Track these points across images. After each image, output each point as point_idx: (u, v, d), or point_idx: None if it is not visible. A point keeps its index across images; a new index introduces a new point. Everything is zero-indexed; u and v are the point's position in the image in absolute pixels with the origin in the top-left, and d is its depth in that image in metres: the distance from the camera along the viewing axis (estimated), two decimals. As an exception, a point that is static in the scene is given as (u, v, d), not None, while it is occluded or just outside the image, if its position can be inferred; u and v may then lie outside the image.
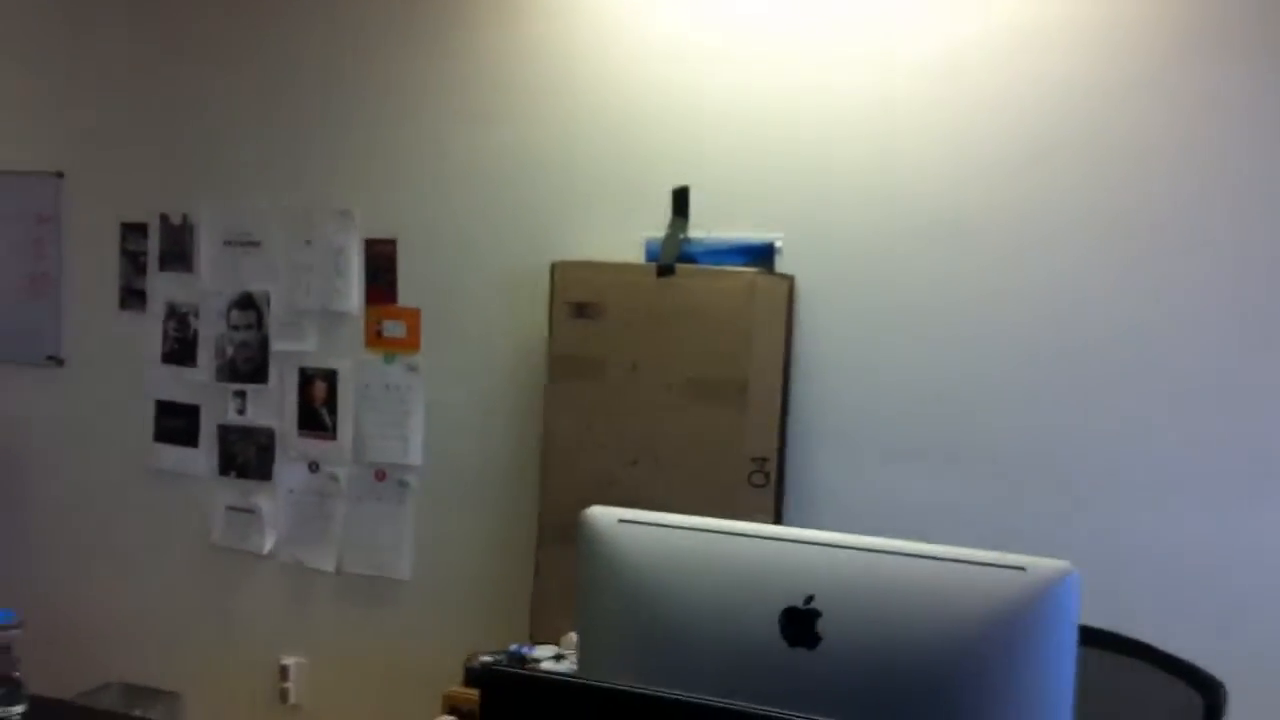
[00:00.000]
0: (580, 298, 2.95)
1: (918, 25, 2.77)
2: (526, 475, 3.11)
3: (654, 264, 2.90)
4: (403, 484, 3.34)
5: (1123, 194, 2.64)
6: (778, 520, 2.84)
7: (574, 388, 2.96)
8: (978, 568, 1.35)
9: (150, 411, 3.65)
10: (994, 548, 1.38)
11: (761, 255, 2.91)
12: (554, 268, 2.97)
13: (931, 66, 2.76)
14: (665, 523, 1.51)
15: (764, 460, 2.83)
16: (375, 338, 3.34)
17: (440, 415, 3.28)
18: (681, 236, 2.94)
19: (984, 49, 2.73)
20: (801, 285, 2.84)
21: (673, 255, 2.92)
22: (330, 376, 3.40)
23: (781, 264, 2.88)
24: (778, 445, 2.83)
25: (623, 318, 2.91)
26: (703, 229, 2.95)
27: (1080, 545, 2.62)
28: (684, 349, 2.86)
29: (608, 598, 1.49)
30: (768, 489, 2.83)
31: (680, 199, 2.96)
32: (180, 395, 3.60)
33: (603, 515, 1.54)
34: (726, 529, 1.49)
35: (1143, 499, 2.64)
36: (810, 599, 1.37)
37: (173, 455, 3.61)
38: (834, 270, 2.85)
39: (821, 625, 1.36)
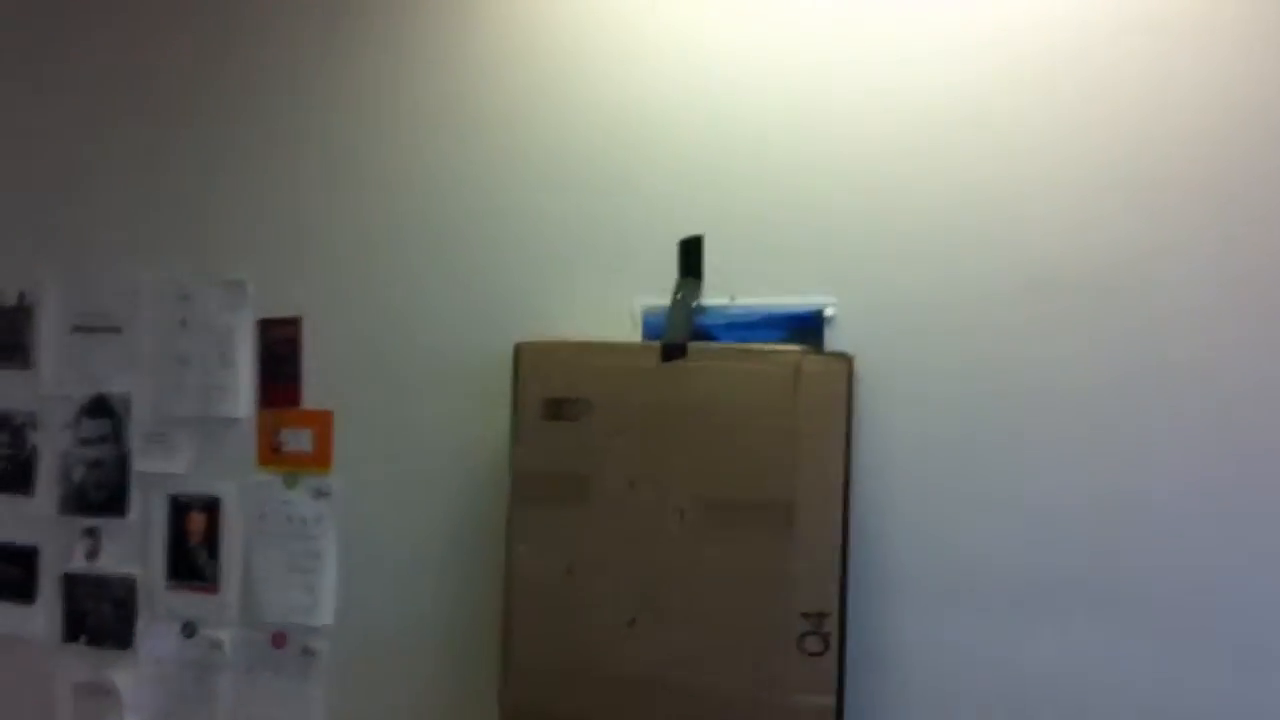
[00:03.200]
0: (556, 392, 2.12)
1: (1008, 24, 2.04)
2: (481, 640, 2.24)
3: (657, 343, 2.08)
4: (309, 652, 2.45)
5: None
6: (840, 704, 1.99)
7: (549, 517, 2.11)
8: None
9: (-29, 556, 2.74)
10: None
11: (805, 328, 2.11)
12: (519, 351, 2.14)
13: (1025, 73, 2.02)
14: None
15: (821, 617, 1.99)
16: (272, 453, 2.48)
17: (361, 557, 2.41)
18: (694, 304, 2.14)
19: (1082, 48, 1.99)
20: (861, 368, 2.04)
21: (684, 330, 2.11)
22: (211, 506, 2.53)
23: (833, 339, 2.08)
24: (838, 593, 2.00)
25: (616, 418, 2.08)
26: (722, 294, 2.15)
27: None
28: (703, 460, 2.04)
29: None
30: (827, 658, 1.99)
31: (691, 254, 2.16)
32: (11, 534, 2.70)
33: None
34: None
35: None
36: None
37: (0, 615, 2.70)
38: (904, 347, 2.05)
39: None
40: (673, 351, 2.06)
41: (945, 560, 2.03)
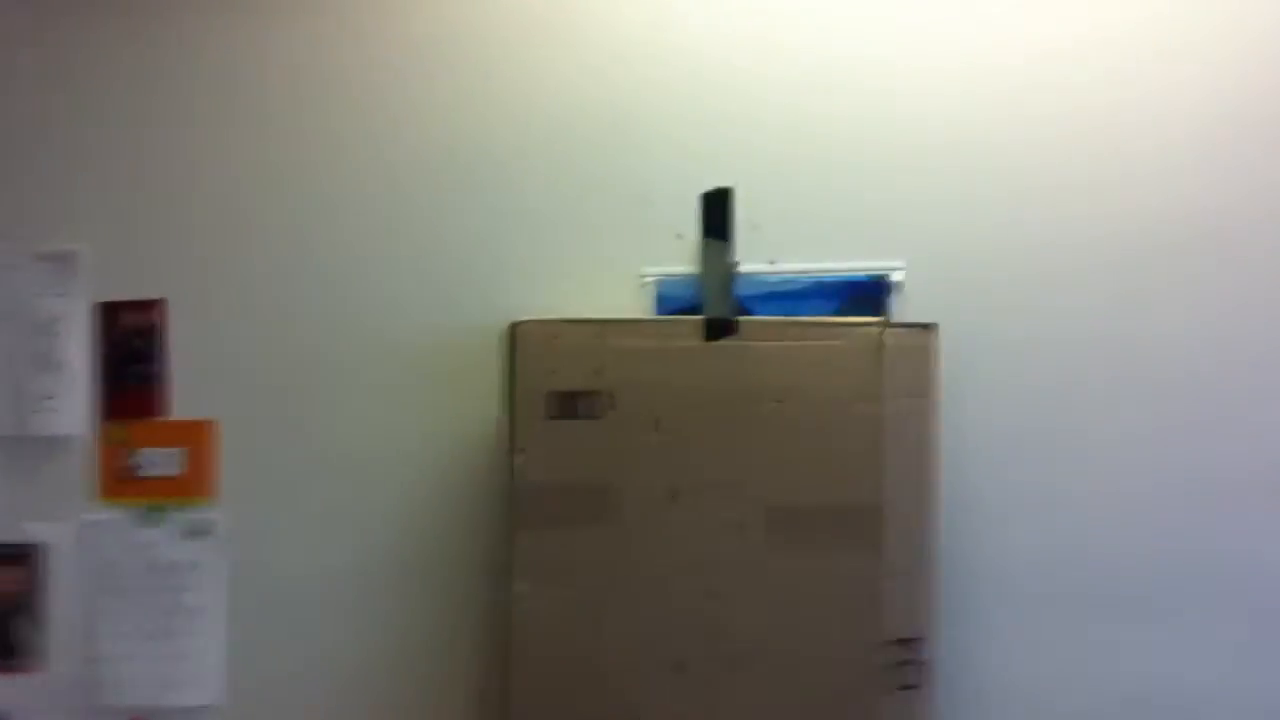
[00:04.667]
0: (568, 383, 1.66)
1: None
2: (441, 714, 1.75)
3: (697, 318, 1.67)
4: (187, 744, 1.85)
5: None
6: (937, 744, 1.65)
7: (563, 541, 1.65)
8: None
9: None
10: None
11: (865, 298, 1.76)
12: (515, 334, 1.66)
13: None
14: None
15: (913, 644, 1.65)
16: (121, 481, 1.86)
17: (258, 613, 1.83)
18: (730, 269, 1.74)
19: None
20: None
21: (726, 301, 1.71)
22: (27, 557, 1.86)
23: (903, 311, 1.75)
24: (930, 616, 1.66)
25: (649, 413, 1.65)
26: (758, 258, 1.76)
27: None
28: (766, 459, 1.64)
29: None
30: (923, 692, 1.64)
31: (717, 210, 1.75)
32: None
33: None
34: None
35: None
36: None
37: None
38: (981, 320, 1.74)
39: None
40: (719, 328, 1.66)
41: (1040, 566, 1.73)
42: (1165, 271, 1.74)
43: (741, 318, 1.68)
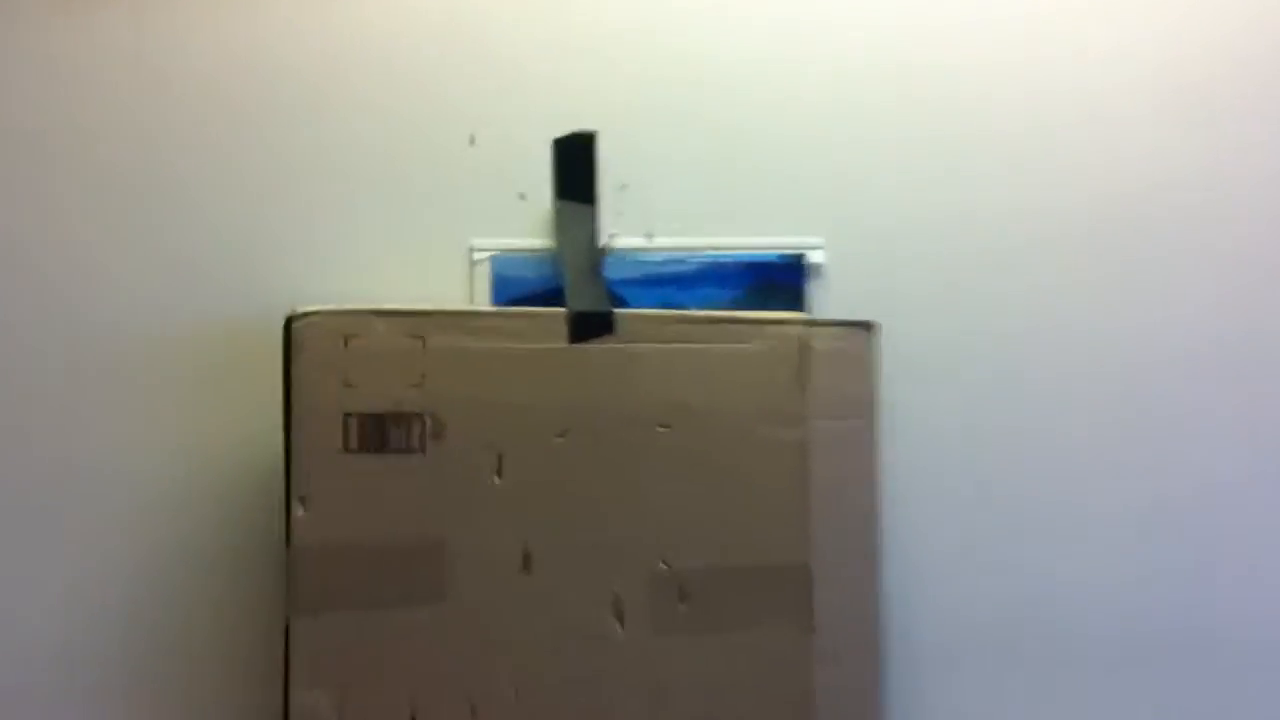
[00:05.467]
0: (373, 401, 1.15)
1: None
2: None
3: (555, 310, 1.19)
4: None
5: None
6: None
7: (366, 629, 1.14)
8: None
9: None
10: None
11: (775, 285, 1.32)
12: (294, 331, 1.14)
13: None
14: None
15: (850, 744, 1.22)
16: None
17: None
18: (596, 243, 1.27)
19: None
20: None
21: (598, 288, 1.23)
22: None
23: (825, 302, 1.31)
24: (876, 711, 1.23)
25: (487, 442, 1.16)
26: (634, 230, 1.30)
27: None
28: (647, 507, 1.18)
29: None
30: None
31: (575, 161, 1.27)
32: None
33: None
34: None
35: None
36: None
37: None
38: (916, 312, 1.33)
39: None
40: (588, 324, 1.19)
41: (1004, 624, 1.32)
42: (1138, 255, 1.36)
43: (617, 310, 1.21)
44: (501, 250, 1.29)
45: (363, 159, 1.29)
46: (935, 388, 1.32)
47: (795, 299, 1.30)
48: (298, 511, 1.14)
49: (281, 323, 1.14)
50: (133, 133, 1.28)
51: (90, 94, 1.28)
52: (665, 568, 1.18)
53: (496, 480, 1.16)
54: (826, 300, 1.30)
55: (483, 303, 1.28)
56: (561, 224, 1.26)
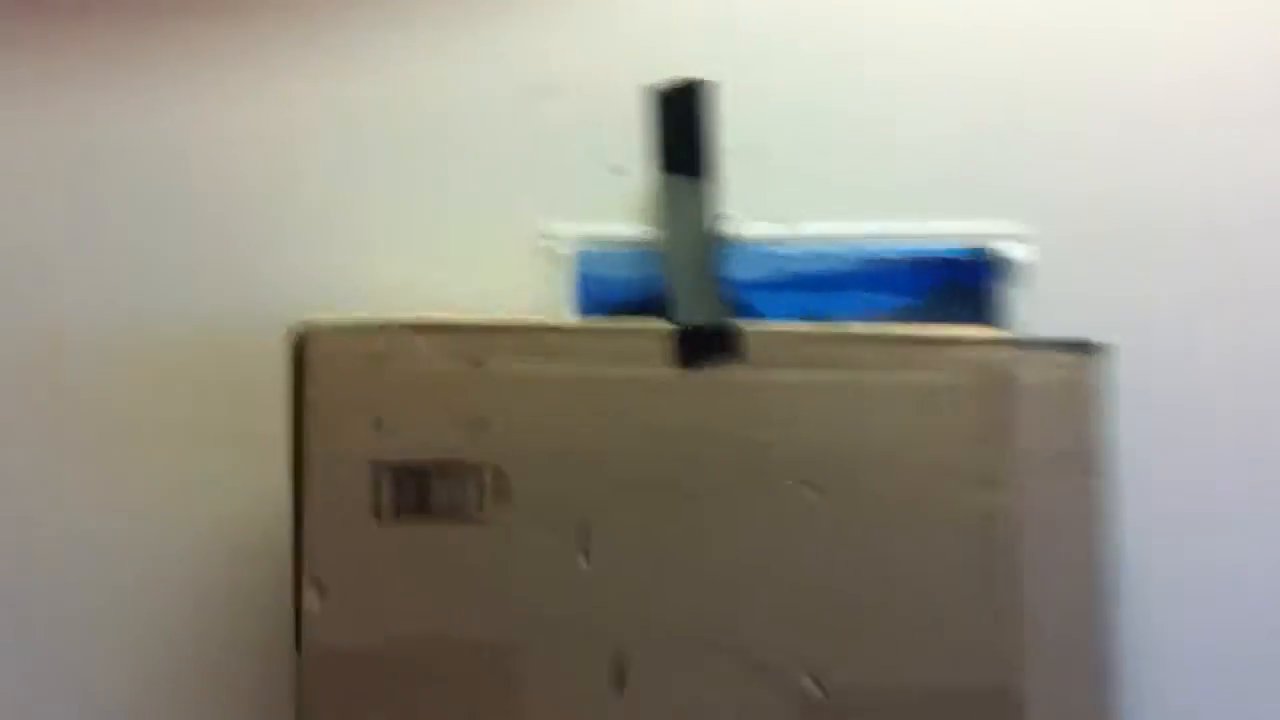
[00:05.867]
0: (413, 448, 0.84)
1: None
2: None
3: (658, 324, 0.87)
4: None
5: None
6: None
7: (401, 769, 0.84)
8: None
9: None
10: None
11: (961, 291, 0.98)
12: (306, 350, 0.83)
13: None
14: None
15: None
16: None
17: None
18: (715, 233, 0.94)
19: None
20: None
21: (714, 295, 0.91)
22: None
23: (1033, 314, 0.97)
24: None
25: (567, 507, 0.85)
26: (768, 214, 0.97)
27: None
28: (791, 600, 0.85)
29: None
30: None
31: (682, 117, 0.95)
32: None
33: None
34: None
35: None
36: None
37: None
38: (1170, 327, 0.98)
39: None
40: (703, 343, 0.86)
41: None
42: None
43: (744, 323, 0.88)
44: (589, 240, 0.97)
45: (398, 115, 0.97)
46: (1187, 430, 0.96)
47: (988, 310, 0.96)
48: (311, 602, 0.83)
49: (285, 337, 0.84)
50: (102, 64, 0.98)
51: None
52: (815, 688, 0.84)
53: (583, 562, 0.84)
54: (1034, 311, 0.96)
55: (561, 313, 0.96)
56: (666, 206, 0.93)
